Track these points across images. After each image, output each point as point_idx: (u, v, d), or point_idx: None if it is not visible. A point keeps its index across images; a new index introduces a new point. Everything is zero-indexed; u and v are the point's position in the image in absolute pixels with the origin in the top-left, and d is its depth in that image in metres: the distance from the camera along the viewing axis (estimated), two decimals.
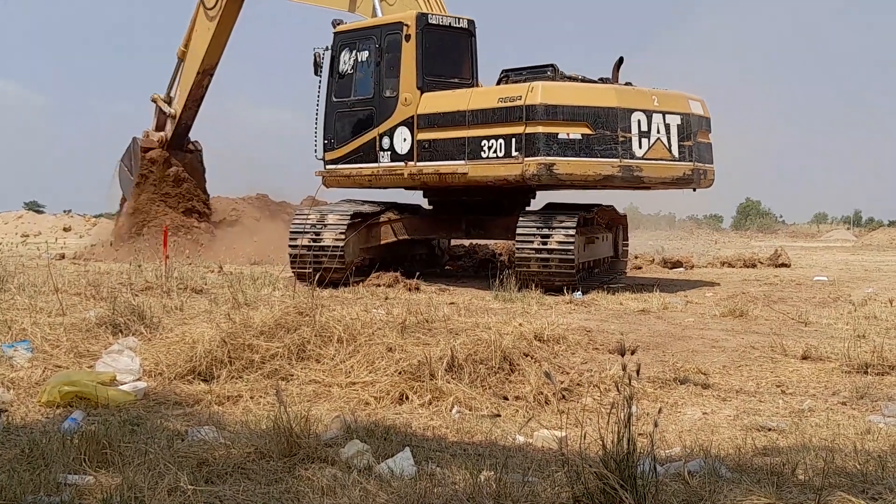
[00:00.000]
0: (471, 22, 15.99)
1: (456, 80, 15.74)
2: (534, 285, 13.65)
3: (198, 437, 5.15)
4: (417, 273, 15.37)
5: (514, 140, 14.23)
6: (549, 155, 14.13)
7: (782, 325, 10.77)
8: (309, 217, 15.74)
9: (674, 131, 14.82)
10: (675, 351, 8.82)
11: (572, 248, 14.06)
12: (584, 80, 15.27)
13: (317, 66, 16.71)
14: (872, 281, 17.68)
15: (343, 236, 15.03)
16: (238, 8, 21.08)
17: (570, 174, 14.19)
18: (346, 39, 16.56)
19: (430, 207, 17.71)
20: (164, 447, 4.65)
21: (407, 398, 6.46)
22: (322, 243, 15.11)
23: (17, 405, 6.20)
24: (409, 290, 14.35)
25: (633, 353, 4.52)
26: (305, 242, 15.10)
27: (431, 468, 4.59)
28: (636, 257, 22.00)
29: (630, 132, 14.39)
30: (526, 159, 14.10)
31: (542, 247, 14.14)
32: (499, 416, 6.19)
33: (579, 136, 14.18)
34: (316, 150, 16.90)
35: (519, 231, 14.49)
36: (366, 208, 16.07)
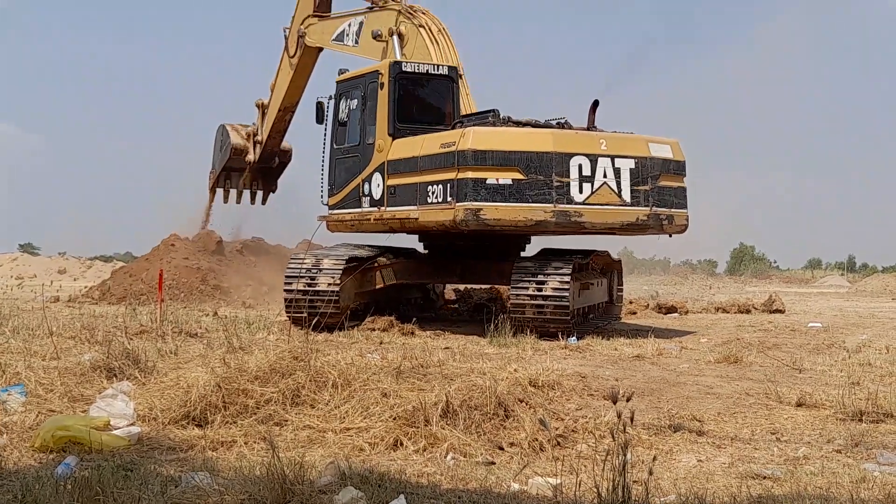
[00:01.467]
0: (452, 68, 16.08)
1: (435, 126, 15.74)
2: (529, 330, 13.66)
3: (192, 483, 5.13)
4: (413, 318, 15.37)
5: (448, 185, 14.40)
6: (476, 200, 14.20)
7: (777, 371, 10.77)
8: (304, 261, 15.77)
9: (625, 175, 14.65)
10: (669, 397, 8.82)
11: (567, 294, 14.09)
12: (535, 125, 15.28)
13: (320, 114, 16.97)
14: (866, 328, 17.72)
15: (338, 281, 15.03)
16: (314, 57, 21.83)
17: (498, 220, 14.21)
18: (343, 88, 16.86)
19: (426, 252, 17.75)
20: (157, 493, 4.64)
21: (401, 444, 6.44)
22: (317, 288, 15.11)
23: (11, 450, 6.17)
24: (405, 334, 14.35)
25: (627, 399, 4.51)
26: (301, 287, 15.11)
27: None
28: (631, 302, 22.02)
29: (568, 177, 14.37)
30: (457, 204, 14.21)
31: (536, 293, 14.16)
32: (493, 463, 6.18)
33: (509, 182, 14.22)
34: (322, 196, 17.24)
35: (514, 278, 14.53)
36: (361, 253, 16.11)
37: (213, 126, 25.93)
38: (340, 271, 15.18)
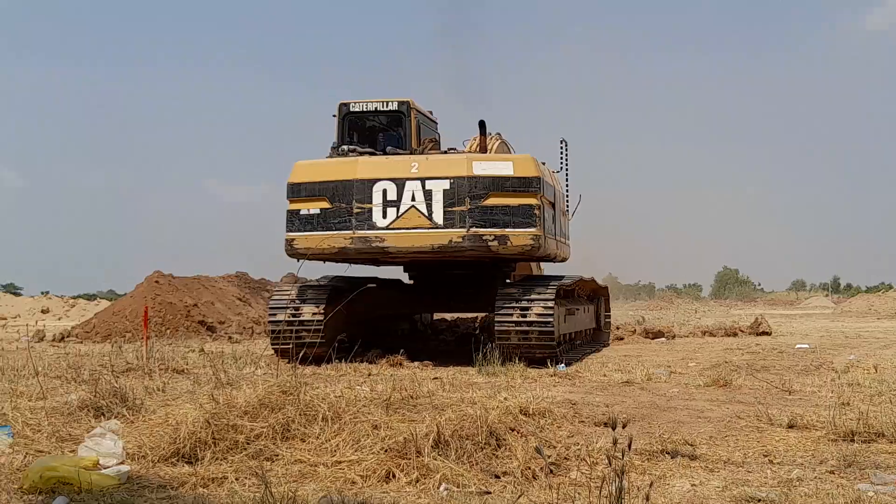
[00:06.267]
0: (402, 103, 16.12)
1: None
2: (516, 358, 13.64)
3: None
4: (401, 349, 15.33)
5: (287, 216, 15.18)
6: (291, 231, 15.03)
7: (766, 393, 10.78)
8: (289, 292, 15.76)
9: (437, 197, 14.51)
10: (661, 422, 8.80)
11: (551, 320, 14.10)
12: (389, 153, 15.50)
13: None
14: (854, 347, 17.78)
15: (323, 311, 15.00)
16: None
17: (307, 248, 14.83)
18: None
19: (411, 282, 17.76)
20: None
21: (394, 476, 6.39)
22: (302, 317, 15.08)
23: None
24: (393, 365, 14.33)
25: (623, 426, 4.50)
26: (285, 318, 15.07)
27: None
28: (618, 328, 22.08)
29: (370, 203, 14.56)
30: (286, 234, 15.00)
31: (521, 320, 14.18)
32: (489, 493, 6.13)
33: (318, 211, 14.76)
34: None
35: (498, 304, 14.55)
36: (345, 284, 16.10)
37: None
38: (324, 300, 15.17)
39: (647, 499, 4.08)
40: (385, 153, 15.50)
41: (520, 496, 5.75)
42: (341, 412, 7.25)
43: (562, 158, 18.20)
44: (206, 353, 16.30)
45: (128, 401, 8.38)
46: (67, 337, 23.17)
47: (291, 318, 15.07)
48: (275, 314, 15.39)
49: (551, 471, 6.80)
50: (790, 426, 8.49)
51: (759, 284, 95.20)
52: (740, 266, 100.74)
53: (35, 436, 7.55)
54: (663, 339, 21.31)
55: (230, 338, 22.40)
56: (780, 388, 11.22)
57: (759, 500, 5.93)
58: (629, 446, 4.12)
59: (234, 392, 7.94)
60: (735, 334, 22.70)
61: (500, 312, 14.43)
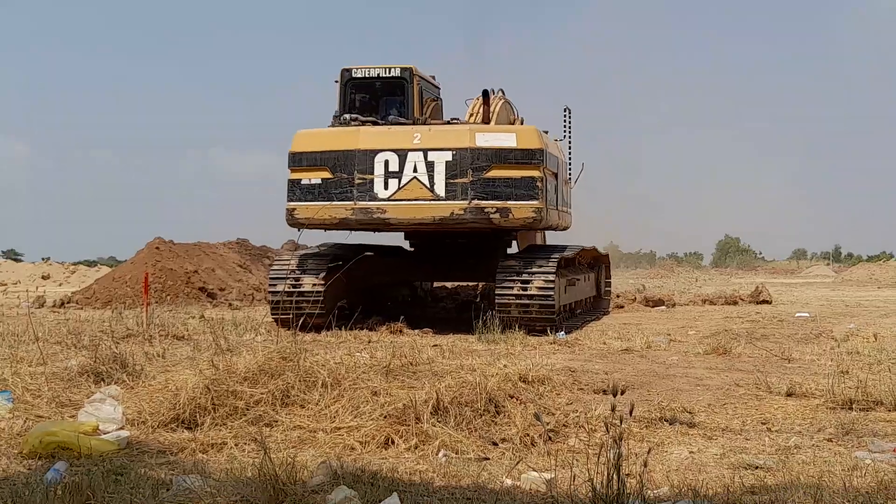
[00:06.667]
0: (405, 70, 16.03)
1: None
2: (517, 327, 13.64)
3: (183, 485, 5.09)
4: (402, 316, 15.33)
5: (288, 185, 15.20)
6: (292, 200, 15.05)
7: (766, 362, 10.79)
8: (289, 262, 15.73)
9: (440, 169, 14.49)
10: (660, 390, 8.82)
11: (552, 293, 14.10)
12: (394, 123, 15.41)
13: None
14: (854, 316, 17.79)
15: (323, 281, 14.98)
16: None
17: (308, 218, 14.87)
18: None
19: (412, 250, 17.74)
20: (148, 497, 4.59)
21: (393, 442, 6.41)
22: (302, 289, 15.06)
23: None
24: (393, 332, 14.34)
25: (622, 393, 4.50)
26: (285, 288, 15.05)
27: None
28: (618, 296, 22.09)
29: (371, 174, 14.54)
30: (286, 204, 15.07)
31: (522, 292, 14.18)
32: (487, 459, 6.14)
33: (319, 181, 14.77)
34: None
35: (499, 277, 14.53)
36: (346, 252, 16.07)
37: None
38: (325, 271, 15.14)
39: (646, 465, 4.08)
40: (387, 121, 15.43)
41: (517, 463, 5.76)
42: (341, 378, 7.25)
43: (565, 126, 18.15)
44: (206, 319, 16.31)
45: (128, 367, 8.39)
46: (68, 303, 23.16)
47: (291, 289, 15.03)
48: (275, 285, 15.36)
49: (550, 437, 6.82)
50: (789, 394, 8.50)
51: (761, 253, 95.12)
52: (742, 235, 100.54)
53: (35, 401, 7.56)
54: (663, 307, 21.31)
55: (230, 304, 22.40)
56: (779, 356, 11.24)
57: (757, 468, 5.94)
58: (630, 413, 4.11)
59: (233, 358, 7.94)
60: (735, 303, 22.69)
61: (501, 285, 14.42)
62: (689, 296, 24.46)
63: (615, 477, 3.77)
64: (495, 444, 6.55)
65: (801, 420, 7.54)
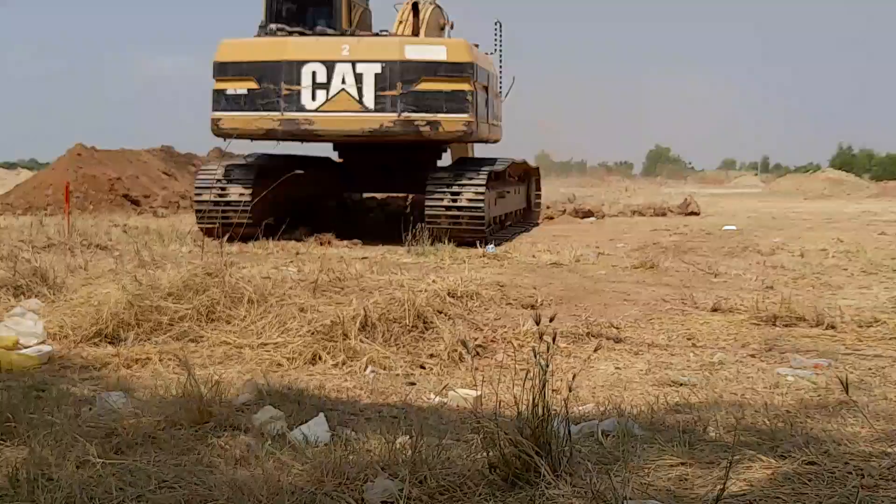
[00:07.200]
0: None
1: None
2: (446, 240, 13.61)
3: (106, 404, 4.99)
4: (331, 230, 15.19)
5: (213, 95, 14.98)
6: (217, 110, 14.84)
7: (692, 276, 10.91)
8: (215, 171, 15.43)
9: (369, 81, 14.35)
10: (587, 305, 8.87)
11: (482, 205, 14.09)
12: (319, 34, 15.17)
13: None
14: (780, 230, 18.05)
15: (250, 191, 14.73)
16: None
17: (234, 128, 14.55)
18: None
19: (340, 161, 17.56)
20: (71, 417, 4.49)
21: (320, 358, 6.36)
22: (228, 198, 14.81)
23: None
24: (322, 244, 14.23)
25: (550, 320, 4.48)
26: (211, 198, 14.79)
27: (346, 433, 4.53)
28: (548, 207, 22.15)
29: (298, 84, 14.39)
30: (212, 114, 14.87)
31: (451, 204, 14.14)
32: (414, 384, 6.10)
33: (245, 91, 14.58)
34: None
35: (428, 189, 14.47)
36: (274, 163, 15.82)
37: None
38: (251, 181, 14.90)
39: (571, 390, 4.09)
40: (314, 31, 15.10)
41: (444, 387, 5.74)
42: (267, 294, 7.17)
43: (496, 40, 17.96)
44: (130, 228, 16.03)
45: (48, 280, 8.20)
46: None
47: (218, 199, 14.78)
48: (200, 194, 15.09)
49: (477, 353, 6.83)
50: (714, 309, 8.61)
51: (690, 163, 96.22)
52: (672, 144, 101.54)
53: None
54: (593, 218, 21.42)
55: (155, 213, 22.06)
56: (706, 271, 11.37)
57: (682, 385, 6.00)
58: (554, 340, 4.10)
59: (158, 272, 7.80)
60: (664, 214, 22.91)
61: (431, 197, 14.35)
62: (618, 207, 24.62)
63: (540, 403, 3.76)
64: (423, 367, 6.51)
65: (725, 336, 7.64)
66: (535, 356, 3.78)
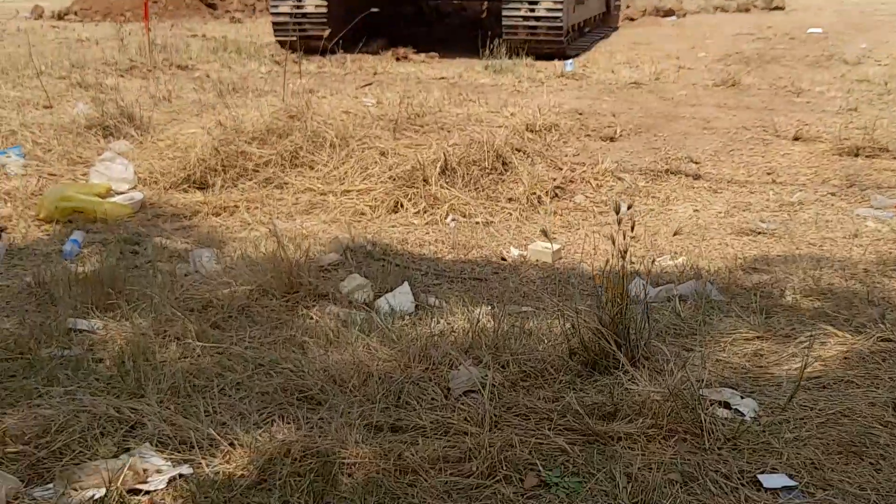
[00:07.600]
0: None
1: None
2: (523, 53, 13.39)
3: (199, 264, 5.23)
4: (407, 41, 15.00)
5: None
6: None
7: (774, 96, 10.70)
8: None
9: None
10: (667, 135, 8.80)
11: (561, 14, 13.73)
12: None
13: None
14: (867, 31, 17.37)
15: (326, 2, 14.55)
16: None
17: None
18: None
19: None
20: (168, 289, 4.70)
21: (402, 206, 6.48)
22: (304, 10, 14.66)
23: (16, 220, 6.22)
24: (398, 59, 14.12)
25: (629, 208, 4.54)
26: (287, 10, 14.65)
27: (430, 302, 4.72)
28: (628, 6, 21.52)
29: None
30: None
31: (529, 14, 13.80)
32: (494, 236, 6.18)
33: None
34: None
35: None
36: None
37: None
38: None
39: (650, 273, 4.19)
40: None
41: (524, 239, 5.83)
42: (349, 137, 7.25)
43: None
44: (207, 38, 16.03)
45: (135, 120, 8.36)
46: (66, 15, 22.63)
47: (294, 11, 14.62)
48: (277, 6, 14.93)
49: (556, 195, 6.92)
50: (796, 138, 8.53)
51: None
52: None
53: (46, 156, 7.60)
54: (674, 17, 20.82)
55: (232, 17, 21.88)
56: (789, 88, 11.14)
57: (760, 233, 6.05)
58: (629, 207, 4.17)
59: (241, 114, 7.91)
60: (748, 10, 22.19)
61: (507, 6, 14.02)
62: (700, 2, 23.80)
63: (620, 249, 3.81)
64: (499, 208, 6.55)
65: (806, 170, 7.60)
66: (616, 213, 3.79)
